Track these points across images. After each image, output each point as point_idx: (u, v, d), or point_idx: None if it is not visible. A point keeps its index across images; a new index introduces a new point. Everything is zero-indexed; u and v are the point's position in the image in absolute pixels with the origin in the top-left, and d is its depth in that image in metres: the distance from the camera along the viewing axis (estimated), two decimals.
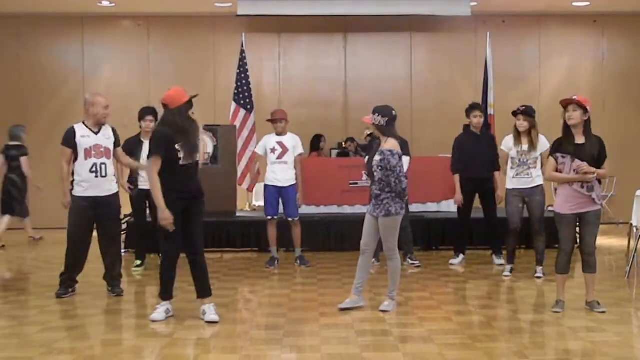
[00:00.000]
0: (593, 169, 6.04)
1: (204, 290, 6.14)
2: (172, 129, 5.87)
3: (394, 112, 6.43)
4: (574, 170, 6.08)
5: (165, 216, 5.80)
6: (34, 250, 10.97)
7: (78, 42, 13.73)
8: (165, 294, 6.15)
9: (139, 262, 8.77)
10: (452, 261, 9.12)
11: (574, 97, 6.16)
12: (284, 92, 13.80)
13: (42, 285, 7.69)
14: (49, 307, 6.70)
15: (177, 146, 5.85)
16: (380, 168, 6.30)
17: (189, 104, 5.99)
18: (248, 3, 12.19)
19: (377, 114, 6.38)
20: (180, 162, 5.87)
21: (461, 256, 9.16)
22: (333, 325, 5.89)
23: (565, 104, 6.18)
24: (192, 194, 6.01)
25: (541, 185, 8.02)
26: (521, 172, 8.01)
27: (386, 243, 6.47)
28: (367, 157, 6.62)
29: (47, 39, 13.73)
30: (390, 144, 6.33)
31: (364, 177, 9.96)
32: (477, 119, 8.87)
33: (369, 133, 9.38)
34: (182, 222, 5.96)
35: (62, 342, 5.44)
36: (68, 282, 7.12)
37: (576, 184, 6.11)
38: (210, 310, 6.05)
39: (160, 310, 6.08)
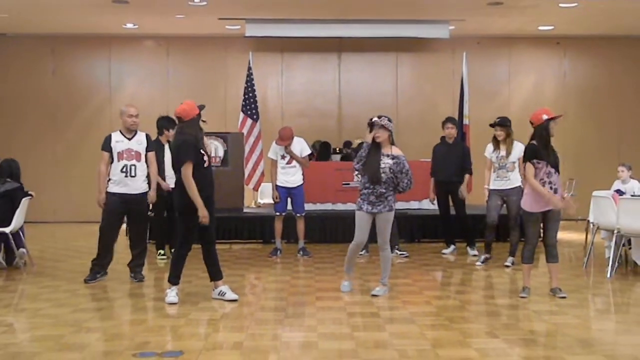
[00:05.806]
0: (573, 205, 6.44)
1: (217, 274, 6.24)
2: (193, 137, 5.92)
3: None
4: (545, 182, 6.13)
5: (205, 214, 5.86)
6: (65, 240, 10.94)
7: (106, 60, 13.71)
8: (176, 279, 6.14)
9: (162, 251, 8.73)
10: (444, 251, 9.13)
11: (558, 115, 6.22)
12: (286, 104, 13.78)
13: (73, 272, 7.67)
14: (78, 290, 6.69)
15: (202, 151, 5.91)
16: (391, 170, 6.24)
17: (200, 114, 6.02)
18: (255, 26, 12.18)
19: (387, 120, 6.29)
20: (205, 165, 5.93)
21: (452, 247, 9.16)
22: (328, 308, 5.88)
23: (553, 118, 6.19)
24: (213, 192, 6.08)
25: (518, 186, 8.00)
26: (501, 174, 8.04)
27: (384, 236, 6.35)
28: (360, 160, 6.35)
29: (79, 56, 13.70)
30: (398, 150, 6.33)
31: (355, 178, 9.92)
32: (449, 130, 8.95)
33: (359, 142, 9.32)
34: None
35: (90, 322, 5.44)
36: (97, 268, 7.11)
37: (546, 185, 6.13)
38: (228, 291, 6.16)
39: (173, 294, 6.08)
